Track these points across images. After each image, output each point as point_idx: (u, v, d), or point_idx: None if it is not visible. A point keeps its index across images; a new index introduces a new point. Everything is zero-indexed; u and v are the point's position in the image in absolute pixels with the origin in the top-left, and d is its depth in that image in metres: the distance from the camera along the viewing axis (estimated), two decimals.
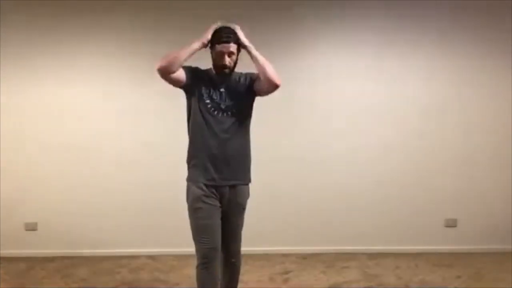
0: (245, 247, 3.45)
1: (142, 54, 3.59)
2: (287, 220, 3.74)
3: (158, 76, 3.59)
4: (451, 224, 3.76)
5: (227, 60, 2.30)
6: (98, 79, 3.63)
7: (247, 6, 3.57)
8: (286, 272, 3.34)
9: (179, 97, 3.60)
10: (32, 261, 3.58)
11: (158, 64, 2.26)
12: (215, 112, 2.34)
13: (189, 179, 2.39)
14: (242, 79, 2.41)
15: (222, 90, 2.36)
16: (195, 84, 2.37)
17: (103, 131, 3.65)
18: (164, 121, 3.65)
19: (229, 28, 2.32)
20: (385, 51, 3.64)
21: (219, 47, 2.30)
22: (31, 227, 3.71)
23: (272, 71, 2.29)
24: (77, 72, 3.62)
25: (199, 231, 2.41)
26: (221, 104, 2.34)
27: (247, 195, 2.46)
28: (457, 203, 3.75)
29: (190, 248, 3.70)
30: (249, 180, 2.46)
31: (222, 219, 2.40)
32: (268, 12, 3.57)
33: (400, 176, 3.72)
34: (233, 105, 2.35)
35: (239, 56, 2.37)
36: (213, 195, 2.34)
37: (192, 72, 2.39)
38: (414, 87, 3.67)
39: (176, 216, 3.72)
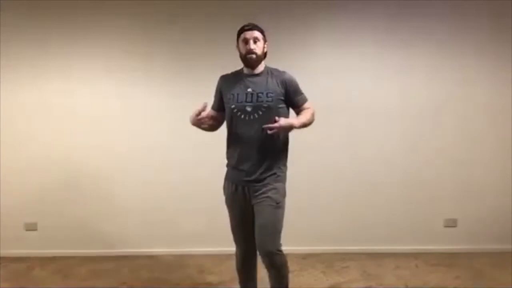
0: None
1: (142, 54, 3.59)
2: (287, 220, 3.71)
3: (160, 76, 3.64)
4: (451, 224, 3.76)
5: (252, 45, 2.34)
6: (99, 80, 3.63)
7: (247, 6, 3.57)
8: None
9: (181, 98, 3.62)
10: (32, 261, 3.58)
11: None
12: (242, 116, 2.35)
13: (225, 177, 2.54)
14: (275, 81, 2.38)
15: (249, 90, 2.37)
16: (224, 95, 2.45)
17: (104, 131, 3.65)
18: (166, 122, 3.66)
19: (250, 22, 2.41)
20: (385, 51, 3.63)
21: (242, 36, 2.37)
22: (31, 227, 3.71)
23: (313, 121, 2.45)
24: (78, 72, 3.62)
25: (232, 230, 2.54)
26: (246, 106, 2.35)
27: (281, 192, 2.43)
28: (457, 203, 3.75)
29: (190, 248, 3.74)
30: (283, 179, 2.47)
31: (254, 216, 2.40)
32: (267, 12, 3.57)
33: (399, 176, 3.72)
34: (260, 106, 2.33)
35: (266, 47, 2.42)
36: (243, 196, 2.42)
37: (218, 93, 2.51)
38: (414, 87, 3.66)
39: (176, 216, 3.74)
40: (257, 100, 2.34)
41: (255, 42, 2.35)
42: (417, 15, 3.60)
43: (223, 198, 3.64)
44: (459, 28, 3.62)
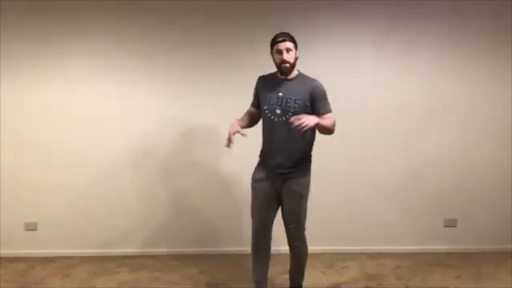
0: (245, 247, 3.46)
1: (142, 54, 3.59)
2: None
3: (160, 76, 3.63)
4: (451, 224, 3.76)
5: (285, 56, 2.57)
6: (99, 80, 3.63)
7: (247, 6, 3.57)
8: (286, 272, 3.33)
9: (181, 98, 3.63)
10: (32, 261, 3.58)
11: None
12: (272, 117, 2.64)
13: (256, 166, 2.79)
14: (305, 87, 2.62)
15: (280, 94, 2.63)
16: (260, 96, 2.76)
17: (104, 131, 3.65)
18: (166, 122, 3.65)
19: (283, 32, 2.64)
20: (385, 51, 3.63)
21: (276, 47, 2.60)
22: (31, 227, 3.71)
23: (332, 131, 2.64)
24: (78, 72, 3.62)
25: (252, 209, 2.76)
26: (276, 109, 2.62)
27: (304, 185, 2.71)
28: (457, 203, 3.75)
29: (190, 248, 3.74)
30: (306, 174, 2.74)
31: (281, 204, 2.74)
32: (268, 12, 3.57)
33: (399, 176, 3.71)
34: (288, 110, 2.59)
35: (297, 53, 2.65)
36: (270, 184, 2.70)
37: (256, 92, 2.80)
38: (414, 87, 3.66)
39: (176, 216, 3.75)
40: (286, 105, 2.60)
41: (287, 52, 2.58)
42: (417, 15, 3.59)
43: (223, 198, 3.68)
44: (459, 28, 3.62)
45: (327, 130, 2.61)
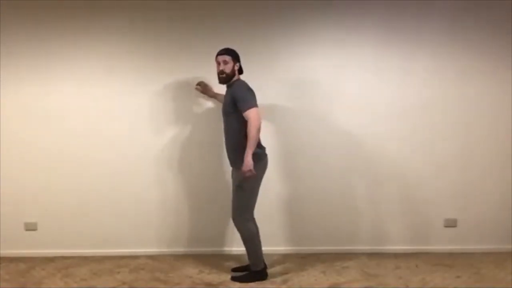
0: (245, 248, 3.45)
1: (142, 55, 3.58)
2: (287, 220, 3.75)
3: (160, 76, 3.62)
4: (451, 224, 3.76)
5: (222, 66, 3.05)
6: (98, 81, 3.63)
7: (247, 7, 3.57)
8: (286, 272, 3.34)
9: (181, 98, 3.63)
10: (32, 261, 3.59)
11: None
12: (222, 113, 3.16)
13: None
14: (230, 93, 3.02)
15: (224, 100, 3.14)
16: None
17: (104, 132, 3.65)
18: (164, 123, 3.65)
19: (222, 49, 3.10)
20: (385, 51, 3.63)
21: (216, 61, 3.09)
22: (31, 227, 3.71)
23: (256, 130, 2.89)
24: (78, 72, 3.62)
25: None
26: (222, 112, 3.16)
27: (240, 176, 2.98)
28: (457, 203, 3.75)
29: (190, 248, 3.74)
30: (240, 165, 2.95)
31: None
32: (268, 12, 3.57)
33: (399, 176, 3.71)
34: (224, 113, 3.11)
35: (236, 66, 3.08)
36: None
37: None
38: (414, 87, 3.66)
39: (176, 216, 3.75)
40: (223, 108, 3.13)
41: (225, 64, 3.03)
42: (417, 15, 3.59)
43: (222, 198, 3.67)
44: (459, 28, 3.62)
45: (256, 133, 2.88)
